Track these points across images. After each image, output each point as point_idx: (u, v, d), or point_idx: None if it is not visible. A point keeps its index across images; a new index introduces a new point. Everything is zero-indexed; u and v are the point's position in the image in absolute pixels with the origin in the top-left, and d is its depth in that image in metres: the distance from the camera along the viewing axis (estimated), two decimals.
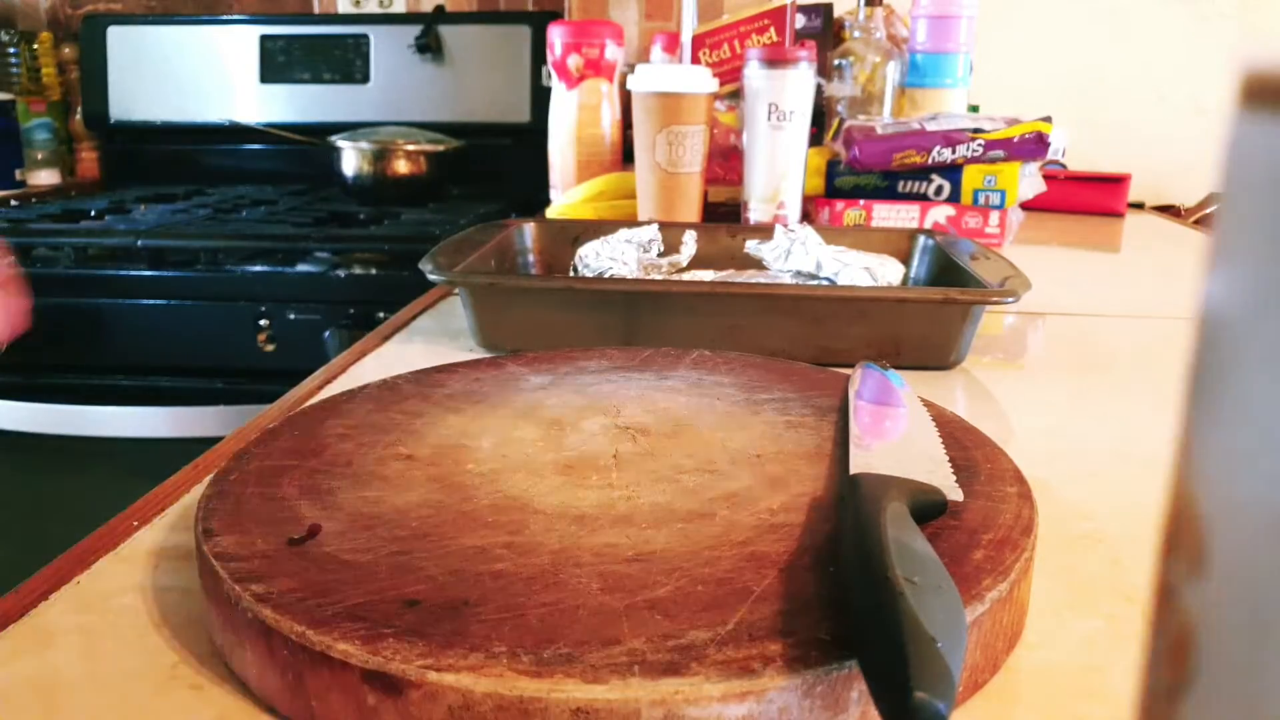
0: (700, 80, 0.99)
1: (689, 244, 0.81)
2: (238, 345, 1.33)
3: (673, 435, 0.45)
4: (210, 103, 1.86)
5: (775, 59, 1.00)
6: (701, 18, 1.30)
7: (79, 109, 1.94)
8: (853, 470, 0.38)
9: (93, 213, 1.56)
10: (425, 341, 0.76)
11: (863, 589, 0.28)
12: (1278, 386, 0.11)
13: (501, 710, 0.27)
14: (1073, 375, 0.69)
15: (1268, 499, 0.11)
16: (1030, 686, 0.33)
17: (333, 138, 1.62)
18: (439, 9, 1.92)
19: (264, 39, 1.84)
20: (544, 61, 1.24)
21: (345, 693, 0.29)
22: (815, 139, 1.20)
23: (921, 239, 0.84)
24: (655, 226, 0.80)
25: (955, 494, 0.38)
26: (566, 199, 1.12)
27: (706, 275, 0.80)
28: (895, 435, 0.44)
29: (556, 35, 1.16)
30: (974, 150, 1.04)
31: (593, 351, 0.59)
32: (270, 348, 1.36)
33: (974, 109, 1.34)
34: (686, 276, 0.79)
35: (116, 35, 1.88)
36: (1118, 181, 1.43)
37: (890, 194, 1.08)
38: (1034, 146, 1.05)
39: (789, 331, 0.65)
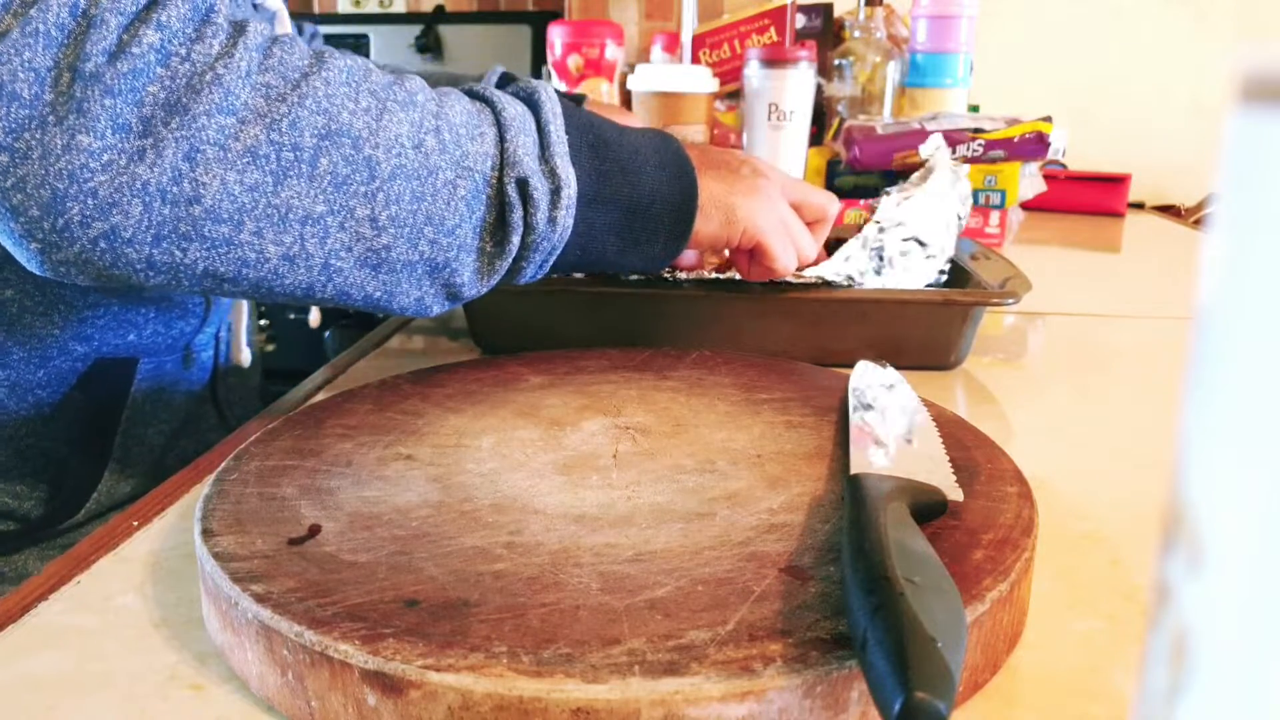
0: (700, 80, 0.99)
1: None
2: None
3: (673, 435, 0.45)
4: None
5: (775, 59, 1.00)
6: (701, 18, 1.30)
7: None
8: (853, 470, 0.38)
9: None
10: (425, 341, 0.76)
11: (863, 589, 0.28)
12: (1277, 384, 0.11)
13: (501, 710, 0.27)
14: (1073, 375, 0.69)
15: (1265, 497, 0.11)
16: (1030, 686, 0.33)
17: None
18: (439, 9, 1.93)
19: None
20: (544, 61, 1.24)
21: (345, 693, 0.29)
22: (815, 139, 1.20)
23: None
24: None
25: (955, 494, 0.38)
26: None
27: None
28: (895, 435, 0.44)
29: (556, 35, 1.16)
30: (974, 150, 1.04)
31: (592, 351, 0.59)
32: (270, 348, 1.36)
33: (974, 109, 1.34)
34: None
35: None
36: (1118, 181, 1.43)
37: None
38: (1034, 146, 1.05)
39: (789, 332, 0.65)
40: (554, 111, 0.50)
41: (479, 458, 0.43)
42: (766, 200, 0.58)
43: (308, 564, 0.33)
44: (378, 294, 0.47)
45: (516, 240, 0.48)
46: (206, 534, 0.35)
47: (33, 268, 0.42)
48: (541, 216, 0.48)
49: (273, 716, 0.31)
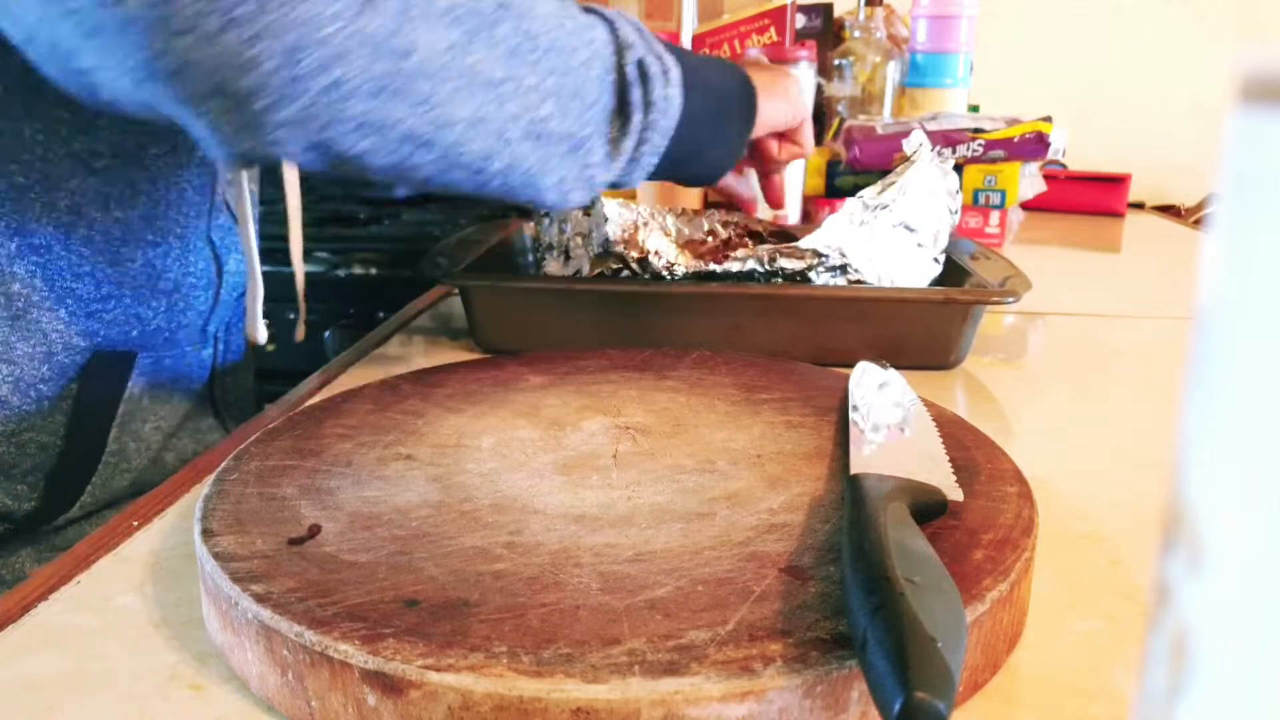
0: None
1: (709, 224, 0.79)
2: None
3: (673, 435, 0.45)
4: None
5: (775, 59, 1.00)
6: (701, 18, 1.30)
7: None
8: (853, 470, 0.38)
9: None
10: (425, 341, 0.76)
11: (863, 589, 0.28)
12: (1277, 384, 0.11)
13: (501, 710, 0.27)
14: (1073, 375, 0.69)
15: (1265, 497, 0.11)
16: (1030, 686, 0.33)
17: None
18: None
19: None
20: None
21: (345, 693, 0.29)
22: (815, 139, 1.20)
23: None
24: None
25: (955, 494, 0.38)
26: None
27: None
28: (895, 435, 0.44)
29: None
30: (974, 150, 1.04)
31: (592, 351, 0.59)
32: (270, 348, 1.36)
33: (974, 109, 1.34)
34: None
35: None
36: (1118, 181, 1.43)
37: None
38: (1034, 146, 1.05)
39: (789, 331, 0.65)
40: (630, 16, 0.55)
41: (479, 458, 0.43)
42: (799, 85, 0.69)
43: (308, 564, 0.33)
44: (535, 168, 0.50)
45: (639, 119, 0.53)
46: (206, 534, 0.35)
47: (240, 140, 0.42)
48: (660, 93, 0.53)
49: (273, 716, 0.31)
